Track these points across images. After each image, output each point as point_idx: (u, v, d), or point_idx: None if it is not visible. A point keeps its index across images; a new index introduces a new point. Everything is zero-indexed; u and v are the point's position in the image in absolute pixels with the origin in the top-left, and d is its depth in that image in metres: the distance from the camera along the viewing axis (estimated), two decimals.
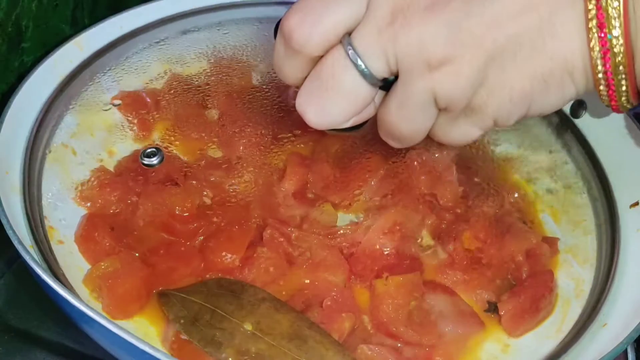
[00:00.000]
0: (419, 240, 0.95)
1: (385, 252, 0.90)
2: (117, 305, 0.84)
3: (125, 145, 1.07)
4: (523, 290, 0.90)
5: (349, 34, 0.67)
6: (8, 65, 1.03)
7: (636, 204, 0.98)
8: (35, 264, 0.73)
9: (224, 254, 0.88)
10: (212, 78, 1.14)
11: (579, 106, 1.09)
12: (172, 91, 1.12)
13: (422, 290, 0.89)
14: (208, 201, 0.97)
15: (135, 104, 1.08)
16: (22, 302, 0.97)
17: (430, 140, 1.03)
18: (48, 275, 0.72)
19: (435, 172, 0.98)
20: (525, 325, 0.89)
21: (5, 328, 0.94)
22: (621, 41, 0.61)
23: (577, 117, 1.10)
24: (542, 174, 1.12)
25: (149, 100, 1.09)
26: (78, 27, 1.12)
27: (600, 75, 0.64)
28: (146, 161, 0.99)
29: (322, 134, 1.08)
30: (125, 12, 1.10)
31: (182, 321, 0.81)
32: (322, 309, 0.84)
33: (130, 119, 1.08)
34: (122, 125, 1.08)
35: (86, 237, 0.90)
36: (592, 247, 1.00)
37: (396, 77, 0.68)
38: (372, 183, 0.99)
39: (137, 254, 0.88)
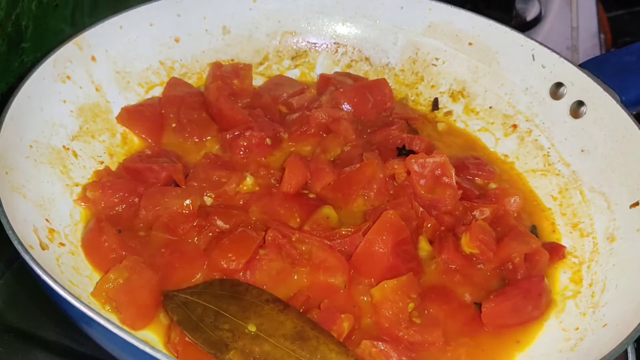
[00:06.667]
0: (418, 243, 0.95)
1: (384, 255, 0.89)
2: (137, 316, 0.84)
3: (127, 147, 1.07)
4: (510, 291, 0.90)
5: None
6: (8, 65, 1.03)
7: (636, 204, 0.98)
8: (36, 264, 0.73)
9: (230, 256, 0.88)
10: (213, 81, 1.15)
11: (579, 106, 1.09)
12: (173, 94, 1.13)
13: (419, 290, 0.89)
14: (209, 201, 0.97)
15: (136, 117, 1.09)
16: (22, 302, 0.97)
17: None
18: (48, 275, 0.72)
19: (434, 176, 0.98)
20: (504, 323, 0.89)
21: (5, 328, 0.94)
22: None
23: (577, 117, 1.10)
24: (541, 175, 1.12)
25: (150, 110, 1.10)
26: (78, 27, 1.12)
27: None
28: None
29: (322, 136, 1.09)
30: (125, 12, 1.10)
31: (185, 323, 0.81)
32: (320, 310, 0.85)
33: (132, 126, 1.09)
34: (123, 128, 1.08)
35: (93, 241, 0.90)
36: (590, 249, 1.00)
37: None
38: (372, 186, 0.99)
39: (142, 258, 0.88)
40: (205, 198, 0.97)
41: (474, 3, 1.61)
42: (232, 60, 1.22)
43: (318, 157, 1.03)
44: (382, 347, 0.82)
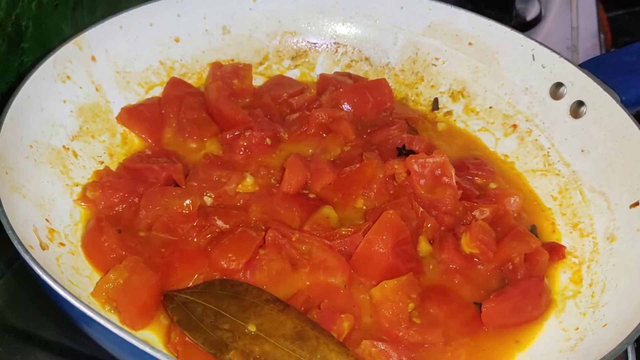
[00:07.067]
0: (418, 243, 0.95)
1: (384, 255, 0.89)
2: (137, 316, 0.84)
3: (127, 147, 1.07)
4: (510, 291, 0.90)
5: None
6: (8, 65, 1.03)
7: (636, 204, 0.98)
8: (36, 264, 0.73)
9: (230, 256, 0.88)
10: (213, 81, 1.15)
11: (579, 106, 1.09)
12: (173, 94, 1.13)
13: (419, 290, 0.89)
14: (209, 201, 0.97)
15: (136, 117, 1.09)
16: (22, 302, 0.97)
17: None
18: (48, 275, 0.72)
19: (434, 176, 0.98)
20: (504, 323, 0.89)
21: (5, 328, 0.94)
22: None
23: (577, 117, 1.10)
24: (541, 175, 1.12)
25: (150, 110, 1.10)
26: (78, 27, 1.12)
27: None
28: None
29: (322, 136, 1.09)
30: (125, 12, 1.10)
31: (185, 323, 0.82)
32: (320, 310, 0.85)
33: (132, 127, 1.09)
34: (123, 128, 1.08)
35: (93, 241, 0.90)
36: (590, 249, 1.00)
37: None
38: (372, 186, 0.99)
39: (142, 258, 0.88)
40: (205, 198, 0.97)
41: (474, 3, 1.61)
42: (232, 60, 1.22)
43: (318, 157, 1.03)
44: (382, 347, 0.82)
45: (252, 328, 0.80)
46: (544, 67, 1.14)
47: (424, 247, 0.95)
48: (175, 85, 1.14)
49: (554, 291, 0.96)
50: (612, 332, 0.84)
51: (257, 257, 0.89)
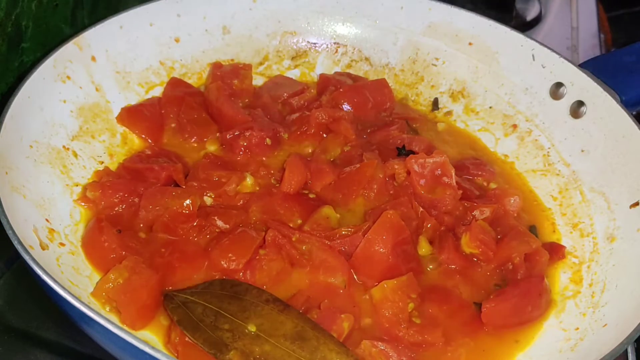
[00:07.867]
0: (418, 243, 0.95)
1: (384, 255, 0.89)
2: (137, 316, 0.84)
3: (127, 147, 1.07)
4: (510, 291, 0.90)
5: None
6: (8, 65, 1.03)
7: (636, 204, 0.98)
8: (35, 264, 0.73)
9: (230, 256, 0.88)
10: (213, 81, 1.15)
11: (579, 106, 1.09)
12: (173, 94, 1.13)
13: (419, 290, 0.89)
14: (209, 201, 0.97)
15: (136, 117, 1.09)
16: (22, 302, 0.97)
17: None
18: (48, 275, 0.72)
19: (434, 176, 0.98)
20: (504, 323, 0.89)
21: (5, 328, 0.94)
22: None
23: (577, 117, 1.10)
24: (541, 175, 1.12)
25: (150, 110, 1.10)
26: (78, 27, 1.12)
27: None
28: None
29: (322, 136, 1.09)
30: (125, 12, 1.10)
31: (185, 323, 0.82)
32: (320, 310, 0.85)
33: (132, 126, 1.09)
34: (123, 128, 1.08)
35: (93, 241, 0.90)
36: (590, 249, 1.00)
37: None
38: (372, 186, 0.99)
39: (142, 258, 0.88)
40: (205, 198, 0.97)
41: (474, 3, 1.61)
42: (232, 60, 1.22)
43: (318, 157, 1.03)
44: (382, 347, 0.82)
45: (252, 328, 0.80)
46: (544, 67, 1.14)
47: (424, 247, 0.95)
48: (175, 85, 1.14)
49: (554, 291, 0.96)
50: (612, 332, 0.84)
51: (257, 257, 0.89)
